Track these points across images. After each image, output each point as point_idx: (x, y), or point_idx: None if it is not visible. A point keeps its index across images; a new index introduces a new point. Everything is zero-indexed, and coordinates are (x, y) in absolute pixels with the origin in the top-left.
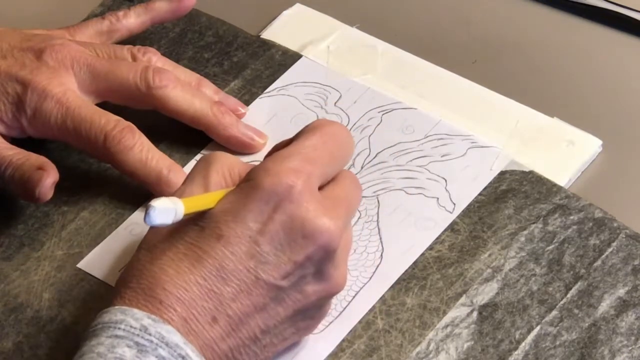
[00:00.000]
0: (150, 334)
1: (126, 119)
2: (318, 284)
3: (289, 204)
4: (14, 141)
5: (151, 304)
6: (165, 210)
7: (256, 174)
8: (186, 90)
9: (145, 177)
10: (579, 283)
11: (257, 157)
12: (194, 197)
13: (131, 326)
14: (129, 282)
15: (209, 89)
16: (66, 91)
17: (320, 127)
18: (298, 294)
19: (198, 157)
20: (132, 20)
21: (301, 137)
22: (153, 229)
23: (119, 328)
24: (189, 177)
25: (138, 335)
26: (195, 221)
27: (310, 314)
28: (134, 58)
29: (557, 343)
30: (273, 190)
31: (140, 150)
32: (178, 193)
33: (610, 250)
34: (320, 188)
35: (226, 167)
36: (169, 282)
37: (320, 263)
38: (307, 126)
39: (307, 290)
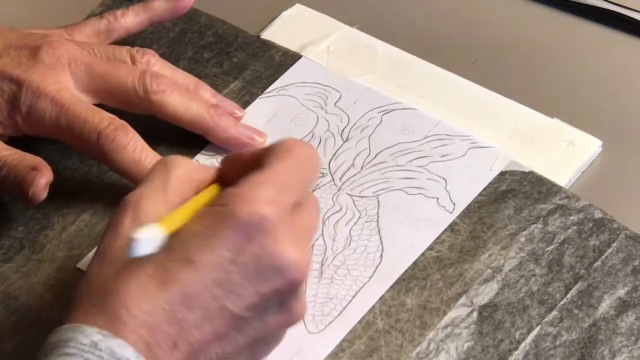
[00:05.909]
0: (100, 350)
1: (126, 119)
2: (280, 315)
3: (261, 235)
4: (13, 141)
5: (114, 325)
6: (148, 241)
7: (231, 199)
8: (183, 95)
9: (138, 177)
10: (578, 283)
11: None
12: (170, 217)
13: (81, 343)
14: (93, 299)
15: (207, 91)
16: (61, 89)
17: (293, 150)
18: (260, 323)
19: (198, 157)
20: (130, 19)
21: (275, 161)
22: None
23: (69, 346)
24: (148, 180)
25: (88, 351)
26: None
27: (267, 341)
28: (133, 59)
29: (557, 343)
30: (247, 220)
31: (134, 149)
32: (136, 195)
33: (610, 250)
34: None
35: (185, 172)
36: (135, 305)
37: (285, 296)
38: (280, 147)
39: (269, 321)
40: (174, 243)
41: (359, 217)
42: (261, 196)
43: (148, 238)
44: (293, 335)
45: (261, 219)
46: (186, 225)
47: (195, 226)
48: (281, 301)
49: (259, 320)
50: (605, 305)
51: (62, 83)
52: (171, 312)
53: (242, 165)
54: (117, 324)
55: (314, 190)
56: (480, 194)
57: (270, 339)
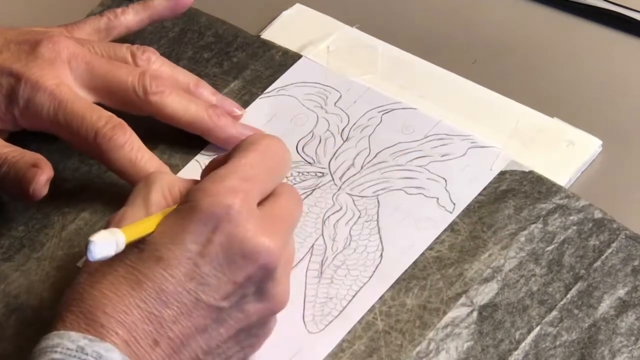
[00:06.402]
0: (87, 354)
1: (126, 118)
2: (260, 302)
3: (228, 224)
4: (13, 140)
5: (93, 328)
6: (106, 244)
7: (194, 195)
8: (182, 96)
9: (134, 176)
10: (578, 283)
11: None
12: (133, 225)
13: (67, 348)
14: (70, 305)
15: (207, 90)
16: (60, 84)
17: (256, 142)
18: (240, 313)
19: (198, 157)
20: (130, 17)
21: (237, 155)
22: None
23: (56, 351)
24: (130, 199)
25: (74, 356)
26: (135, 244)
27: (254, 332)
28: (133, 56)
29: (557, 343)
30: (211, 211)
31: (131, 149)
32: (119, 215)
33: (610, 251)
34: (259, 204)
35: (166, 185)
36: (110, 306)
37: (260, 282)
38: (242, 142)
39: (249, 310)
40: (144, 245)
41: (359, 217)
42: (224, 187)
43: (104, 241)
44: (293, 335)
45: (226, 209)
46: (156, 228)
47: (163, 227)
48: (258, 288)
49: (238, 310)
50: (605, 306)
51: (62, 78)
52: (146, 309)
53: None
54: (96, 327)
55: (313, 190)
56: (480, 194)
57: (255, 330)
